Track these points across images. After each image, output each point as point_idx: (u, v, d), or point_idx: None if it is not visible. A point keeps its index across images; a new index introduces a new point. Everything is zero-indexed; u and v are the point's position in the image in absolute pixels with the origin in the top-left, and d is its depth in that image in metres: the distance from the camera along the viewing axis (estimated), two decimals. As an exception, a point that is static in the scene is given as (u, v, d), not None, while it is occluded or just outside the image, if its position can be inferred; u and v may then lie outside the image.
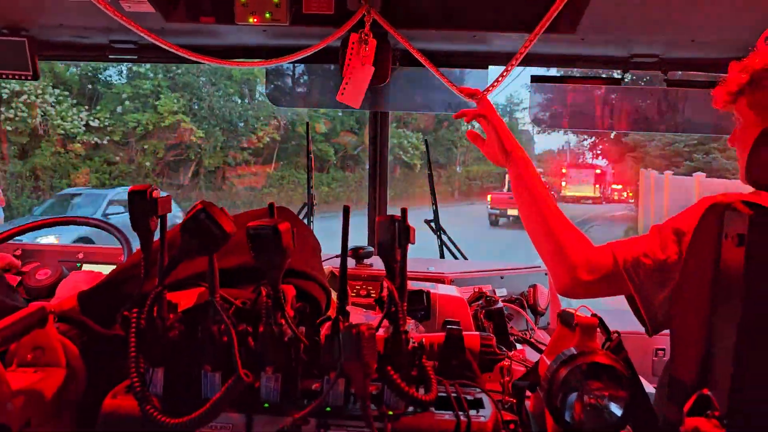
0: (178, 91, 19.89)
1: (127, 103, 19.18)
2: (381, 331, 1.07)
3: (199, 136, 19.97)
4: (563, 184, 32.96)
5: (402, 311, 1.05)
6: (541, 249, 1.48)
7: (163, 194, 1.11)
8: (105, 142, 18.68)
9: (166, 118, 19.10)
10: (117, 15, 1.80)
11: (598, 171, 33.30)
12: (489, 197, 23.73)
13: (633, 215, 25.20)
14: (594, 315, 1.22)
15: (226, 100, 20.72)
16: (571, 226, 1.45)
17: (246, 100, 21.94)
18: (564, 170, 34.17)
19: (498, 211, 22.90)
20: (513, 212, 21.91)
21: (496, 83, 1.96)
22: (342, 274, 1.09)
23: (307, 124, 3.02)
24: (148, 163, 19.74)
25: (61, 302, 1.37)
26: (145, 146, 19.51)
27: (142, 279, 1.13)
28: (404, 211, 1.07)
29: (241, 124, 21.61)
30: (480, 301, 1.68)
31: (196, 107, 20.27)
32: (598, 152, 35.69)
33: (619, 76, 2.33)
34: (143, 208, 1.07)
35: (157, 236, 1.12)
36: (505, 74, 1.96)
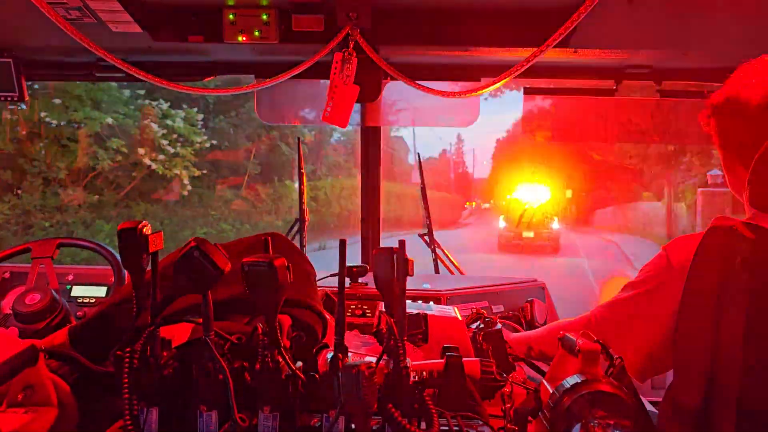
0: None
1: None
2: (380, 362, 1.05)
3: None
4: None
5: (403, 347, 1.03)
6: None
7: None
8: None
9: None
10: (101, 52, 1.79)
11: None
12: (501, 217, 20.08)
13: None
14: (596, 341, 1.20)
15: None
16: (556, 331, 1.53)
17: None
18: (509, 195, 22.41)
19: (512, 234, 19.51)
20: (528, 234, 19.35)
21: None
22: (339, 311, 1.06)
23: (298, 139, 2.99)
24: None
25: (52, 337, 1.34)
26: None
27: (134, 316, 1.10)
28: (402, 243, 1.05)
29: None
30: (478, 323, 1.66)
31: None
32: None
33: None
34: (134, 245, 1.04)
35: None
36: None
